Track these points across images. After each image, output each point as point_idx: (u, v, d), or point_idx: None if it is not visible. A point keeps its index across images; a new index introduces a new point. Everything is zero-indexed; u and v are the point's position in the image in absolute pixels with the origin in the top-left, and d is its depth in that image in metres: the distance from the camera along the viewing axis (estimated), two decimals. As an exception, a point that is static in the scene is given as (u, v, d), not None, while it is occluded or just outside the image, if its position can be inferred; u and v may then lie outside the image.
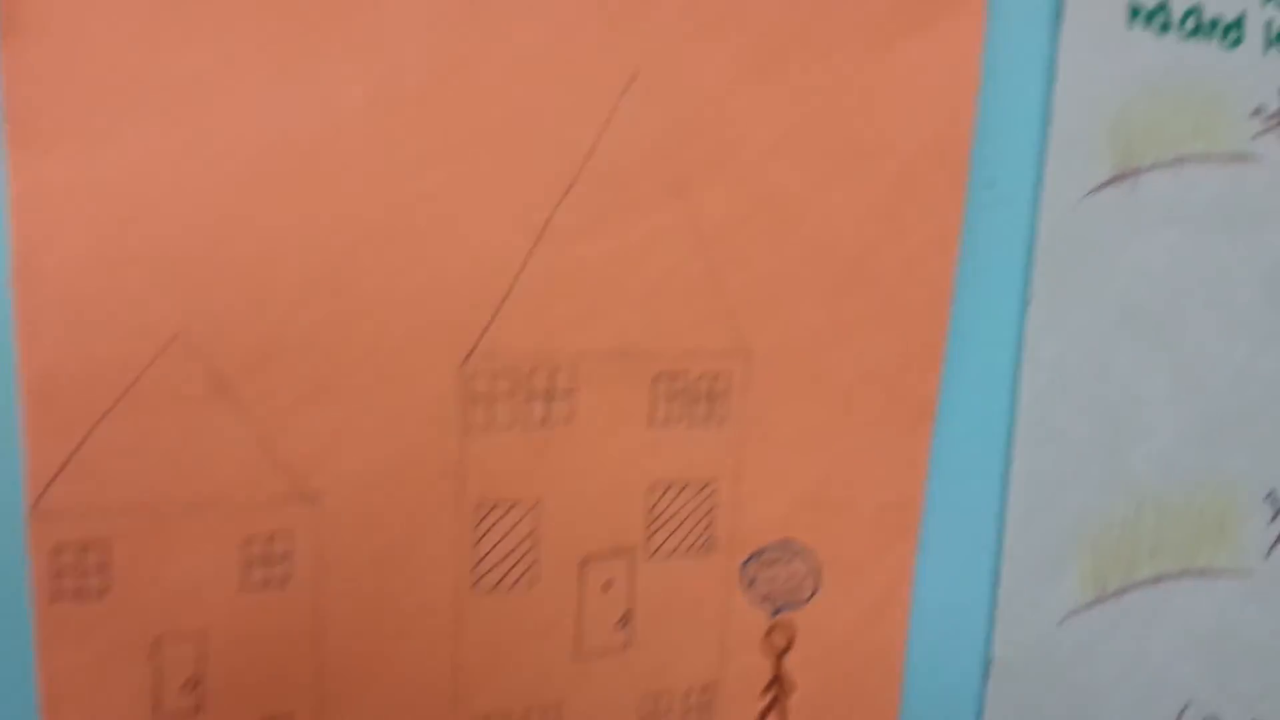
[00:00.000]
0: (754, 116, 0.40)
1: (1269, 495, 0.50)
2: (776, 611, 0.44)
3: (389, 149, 0.36)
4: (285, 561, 0.38)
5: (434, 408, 0.38)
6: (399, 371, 0.38)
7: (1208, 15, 0.46)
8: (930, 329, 0.43)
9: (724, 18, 0.39)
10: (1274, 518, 0.51)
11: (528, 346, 0.39)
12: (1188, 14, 0.45)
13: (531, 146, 0.38)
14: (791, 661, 0.44)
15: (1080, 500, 0.47)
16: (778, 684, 0.45)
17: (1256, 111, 0.47)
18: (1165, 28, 0.45)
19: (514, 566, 0.40)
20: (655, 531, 0.42)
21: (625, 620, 0.42)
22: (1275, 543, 0.51)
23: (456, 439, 0.39)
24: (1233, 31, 0.46)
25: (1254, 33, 0.47)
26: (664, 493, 0.42)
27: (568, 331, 0.39)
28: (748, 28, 0.39)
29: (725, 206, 0.40)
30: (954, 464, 0.45)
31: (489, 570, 0.40)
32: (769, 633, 0.44)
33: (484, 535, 0.40)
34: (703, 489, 0.42)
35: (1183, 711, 0.51)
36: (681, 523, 0.42)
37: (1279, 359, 0.49)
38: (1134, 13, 0.44)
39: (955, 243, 0.43)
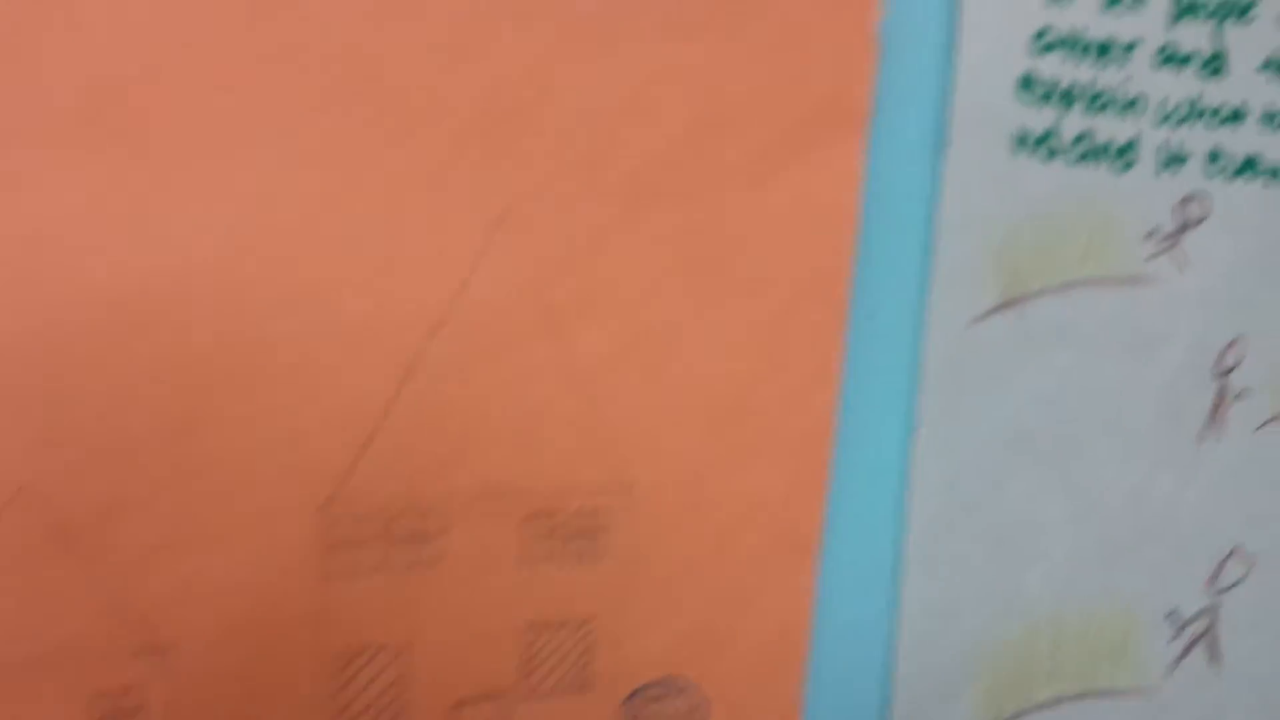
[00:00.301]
0: (629, 253, 0.40)
1: (1170, 614, 0.50)
2: (659, 750, 0.43)
3: (246, 291, 0.36)
4: (136, 716, 0.36)
5: (293, 555, 0.37)
6: (255, 518, 0.37)
7: (1100, 138, 0.46)
8: (812, 460, 0.43)
9: (595, 155, 0.39)
10: (1175, 636, 0.50)
11: (394, 489, 0.38)
12: (1078, 138, 0.45)
13: (399, 285, 0.37)
14: (674, 802, 0.43)
15: (974, 625, 0.47)
16: (663, 821, 0.44)
17: (1150, 234, 0.47)
18: (1054, 153, 0.45)
19: (380, 715, 0.39)
20: (531, 672, 0.41)
21: (498, 766, 0.41)
22: (1177, 661, 0.50)
23: (317, 586, 0.38)
24: (1126, 154, 0.46)
25: (1147, 155, 0.47)
26: (540, 633, 0.41)
27: (436, 472, 0.39)
28: (621, 165, 0.39)
29: (602, 343, 0.40)
30: (841, 594, 0.44)
31: None
32: (649, 774, 0.43)
33: (348, 683, 0.39)
34: (580, 627, 0.41)
35: (1087, 833, 0.50)
36: (559, 662, 0.41)
37: (1175, 479, 0.49)
38: (1021, 140, 0.44)
39: (836, 375, 0.42)
